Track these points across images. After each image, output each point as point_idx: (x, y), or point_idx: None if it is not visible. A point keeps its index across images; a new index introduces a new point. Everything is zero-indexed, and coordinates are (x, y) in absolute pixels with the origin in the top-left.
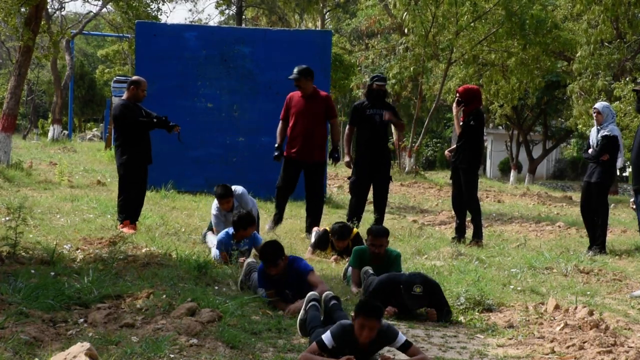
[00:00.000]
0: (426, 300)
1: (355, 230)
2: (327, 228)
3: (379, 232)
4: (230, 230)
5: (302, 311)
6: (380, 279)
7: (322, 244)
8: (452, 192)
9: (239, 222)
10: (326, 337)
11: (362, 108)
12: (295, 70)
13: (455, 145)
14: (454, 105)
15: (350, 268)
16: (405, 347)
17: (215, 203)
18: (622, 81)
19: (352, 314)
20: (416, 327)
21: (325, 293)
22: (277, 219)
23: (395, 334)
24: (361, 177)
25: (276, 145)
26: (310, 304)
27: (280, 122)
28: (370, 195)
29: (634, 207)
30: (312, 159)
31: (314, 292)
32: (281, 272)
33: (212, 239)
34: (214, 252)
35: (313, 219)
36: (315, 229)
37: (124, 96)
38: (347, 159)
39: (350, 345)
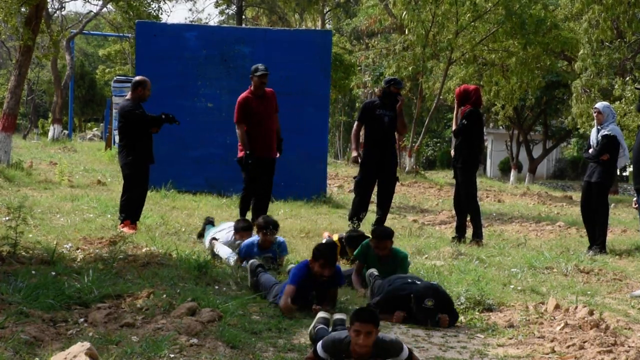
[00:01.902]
0: (436, 314)
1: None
2: (335, 239)
3: (383, 235)
4: (256, 239)
5: (311, 327)
6: (389, 289)
7: None
8: (454, 192)
9: (266, 225)
10: (319, 347)
11: (373, 107)
12: (263, 67)
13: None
14: (455, 104)
15: (367, 273)
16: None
17: (232, 234)
18: (620, 80)
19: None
20: (416, 327)
21: (335, 317)
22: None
23: (399, 349)
24: (366, 176)
25: (248, 152)
26: (319, 327)
27: (240, 126)
28: (373, 196)
29: (636, 206)
30: (272, 155)
31: (324, 314)
32: (330, 275)
33: (222, 249)
34: (227, 255)
35: (263, 214)
36: (325, 234)
37: (128, 96)
38: (354, 154)
39: (346, 358)
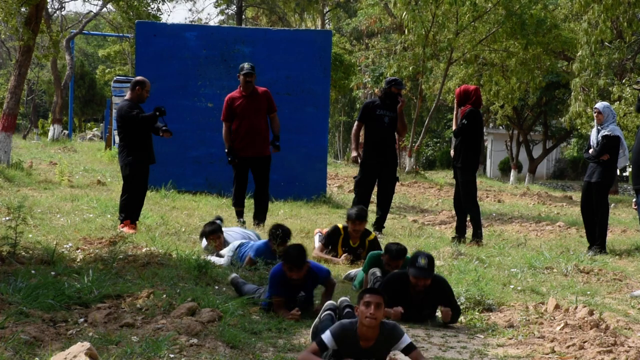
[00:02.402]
0: (430, 275)
1: (373, 234)
2: (340, 226)
3: (398, 254)
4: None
5: (317, 318)
6: (389, 276)
7: (332, 239)
8: (454, 191)
9: (276, 236)
10: (326, 336)
11: (373, 107)
12: (248, 65)
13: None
14: (455, 104)
15: (354, 271)
16: (409, 350)
17: (203, 242)
18: (618, 84)
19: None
20: (416, 327)
21: (341, 299)
22: (241, 214)
23: (400, 334)
24: (366, 175)
25: (227, 150)
26: (326, 312)
27: (224, 124)
28: (373, 196)
29: (636, 207)
30: (261, 153)
31: (332, 301)
32: (303, 276)
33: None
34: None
35: (262, 213)
36: (317, 231)
37: (127, 96)
38: (354, 154)
39: (352, 347)
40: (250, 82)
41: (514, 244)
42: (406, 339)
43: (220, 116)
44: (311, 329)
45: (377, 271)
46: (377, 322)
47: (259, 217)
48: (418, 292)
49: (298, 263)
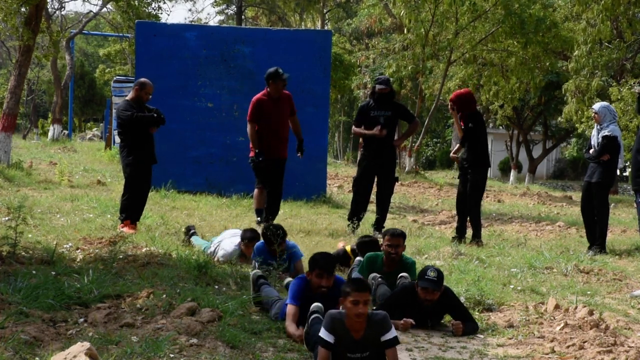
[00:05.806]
0: (439, 288)
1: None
2: (347, 247)
3: (396, 233)
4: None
5: (306, 326)
6: (397, 289)
7: (341, 263)
8: (457, 192)
9: (273, 237)
10: (323, 333)
11: (367, 109)
12: (287, 75)
13: (457, 146)
14: (451, 110)
15: (370, 277)
16: (391, 344)
17: (237, 243)
18: (615, 85)
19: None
20: (416, 327)
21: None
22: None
23: (390, 325)
24: (364, 174)
25: (257, 151)
26: (313, 316)
27: (250, 124)
28: (373, 196)
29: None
30: (281, 155)
31: (317, 304)
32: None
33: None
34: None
35: (275, 211)
36: (340, 244)
37: (128, 96)
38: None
39: (345, 338)
40: (284, 87)
41: (514, 244)
42: (393, 332)
43: (220, 116)
44: (304, 338)
45: (377, 275)
46: (363, 320)
47: (272, 213)
48: (426, 304)
49: (329, 268)
